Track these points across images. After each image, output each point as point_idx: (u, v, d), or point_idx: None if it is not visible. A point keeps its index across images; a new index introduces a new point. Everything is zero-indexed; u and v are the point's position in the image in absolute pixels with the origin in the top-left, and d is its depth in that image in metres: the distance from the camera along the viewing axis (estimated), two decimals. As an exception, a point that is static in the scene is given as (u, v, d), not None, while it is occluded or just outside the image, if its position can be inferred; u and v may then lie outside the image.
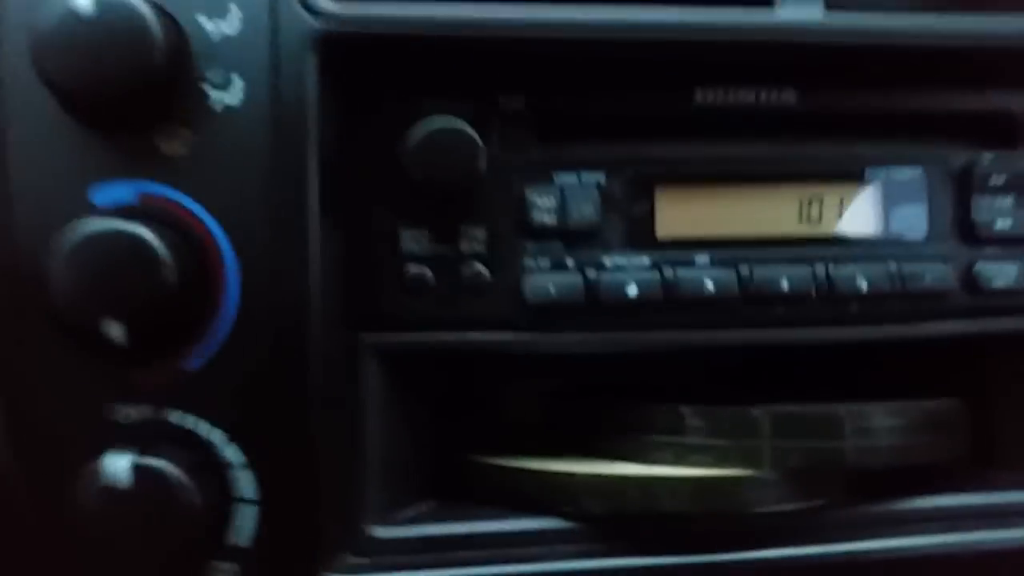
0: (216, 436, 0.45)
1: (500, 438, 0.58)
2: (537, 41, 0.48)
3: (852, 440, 0.49)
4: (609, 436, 0.54)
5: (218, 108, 0.45)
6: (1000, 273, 0.50)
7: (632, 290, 0.49)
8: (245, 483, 0.46)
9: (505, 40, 0.48)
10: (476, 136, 0.47)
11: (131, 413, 0.44)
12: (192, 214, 0.44)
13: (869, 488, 0.51)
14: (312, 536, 0.46)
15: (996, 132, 0.52)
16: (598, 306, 0.49)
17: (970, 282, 0.51)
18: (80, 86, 0.42)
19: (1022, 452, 0.55)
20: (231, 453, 0.45)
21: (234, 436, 0.45)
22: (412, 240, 0.49)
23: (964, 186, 0.51)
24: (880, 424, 0.50)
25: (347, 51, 0.46)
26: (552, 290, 0.49)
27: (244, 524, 0.45)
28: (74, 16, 0.42)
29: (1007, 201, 0.51)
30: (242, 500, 0.45)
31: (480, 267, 0.49)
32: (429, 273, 0.48)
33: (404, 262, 0.48)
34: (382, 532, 0.48)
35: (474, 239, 0.49)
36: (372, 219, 0.48)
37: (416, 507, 0.52)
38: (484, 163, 0.47)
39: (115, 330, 0.41)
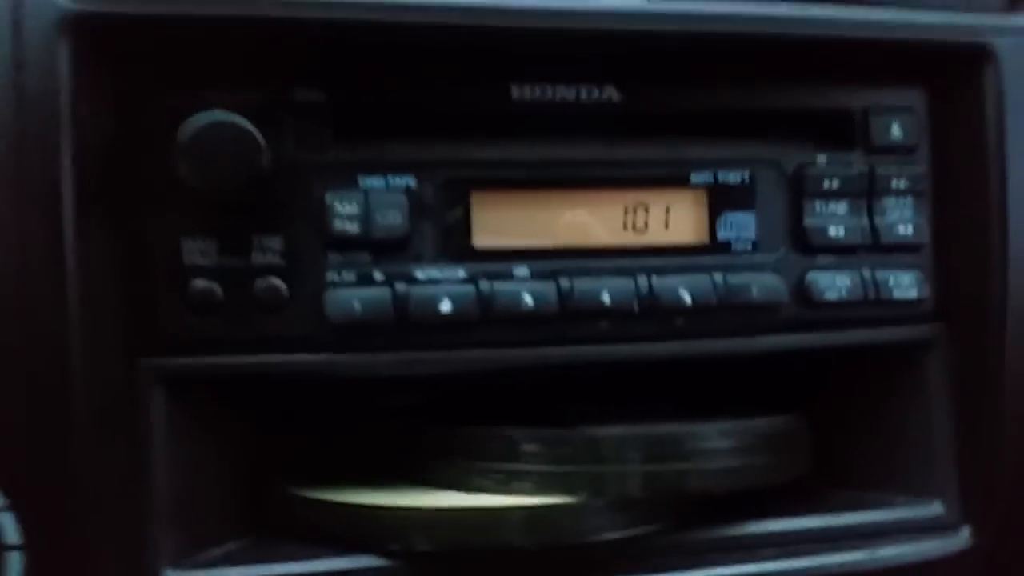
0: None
1: (321, 465, 0.53)
2: (334, 24, 0.43)
3: (691, 462, 0.46)
4: (436, 463, 0.49)
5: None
6: (833, 285, 0.48)
7: (445, 306, 0.44)
8: (7, 527, 0.40)
9: (297, 23, 0.42)
10: (255, 131, 0.41)
11: None
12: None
13: (705, 512, 0.48)
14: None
15: (830, 132, 0.49)
16: (408, 323, 0.44)
17: (802, 294, 0.48)
18: None
19: (860, 468, 0.53)
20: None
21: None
22: (196, 251, 0.43)
23: (796, 190, 0.48)
24: (718, 445, 0.47)
25: (105, 35, 0.40)
26: (357, 306, 0.44)
27: (12, 571, 0.40)
28: None
29: (841, 206, 0.48)
30: (4, 546, 0.40)
31: (276, 281, 0.44)
32: (217, 288, 0.43)
33: (188, 276, 0.43)
34: (175, 576, 0.44)
35: (268, 250, 0.44)
36: (148, 229, 0.43)
37: (224, 546, 0.47)
38: (267, 163, 0.42)
39: None
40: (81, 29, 0.40)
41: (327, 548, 0.46)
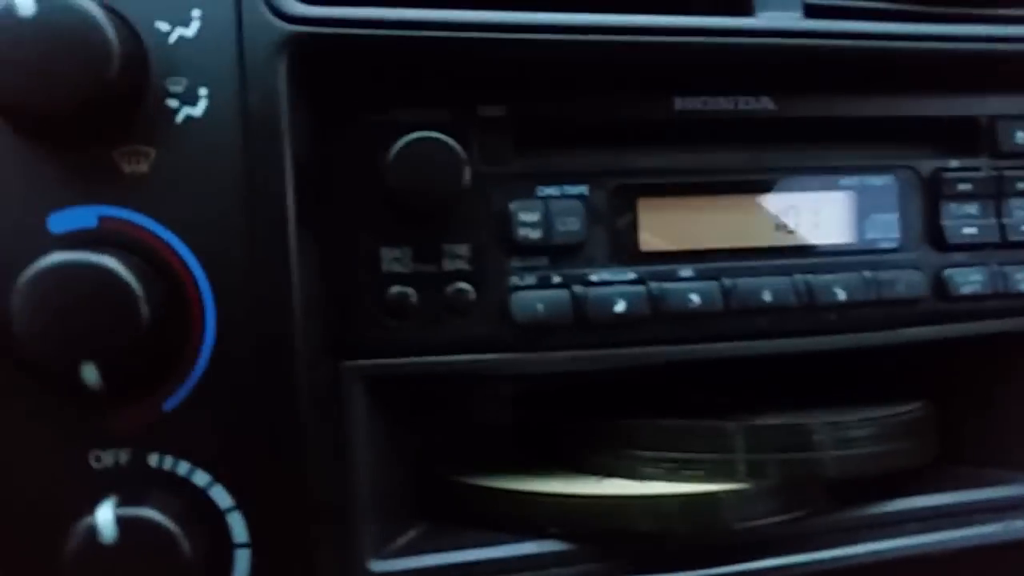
0: (201, 478, 0.41)
1: (480, 456, 0.55)
2: (516, 45, 0.45)
3: (828, 451, 0.48)
4: (592, 452, 0.52)
5: (181, 120, 0.40)
6: (968, 279, 0.51)
7: (620, 306, 0.47)
8: (235, 526, 0.41)
9: (484, 43, 0.44)
10: (457, 146, 0.44)
11: (111, 459, 0.40)
12: (160, 238, 0.40)
13: (846, 495, 0.51)
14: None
15: (962, 139, 0.52)
16: (586, 323, 0.46)
17: (940, 288, 0.51)
18: (25, 98, 0.37)
19: (987, 449, 0.56)
20: (218, 495, 0.41)
21: (219, 477, 0.41)
22: (393, 259, 0.45)
23: (933, 193, 0.51)
24: (854, 434, 0.49)
25: (317, 55, 0.42)
26: (540, 308, 0.46)
27: (238, 569, 0.41)
28: (12, 16, 0.37)
29: (973, 208, 0.52)
30: (233, 544, 0.41)
31: (465, 286, 0.46)
32: (412, 293, 0.45)
33: (386, 283, 0.45)
34: (379, 566, 0.45)
35: (457, 257, 0.46)
36: (351, 238, 0.45)
37: (406, 535, 0.49)
38: (467, 175, 0.44)
39: (89, 373, 0.36)
40: (296, 50, 0.41)
41: (506, 534, 0.48)
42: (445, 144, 0.43)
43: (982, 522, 0.51)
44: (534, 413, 0.57)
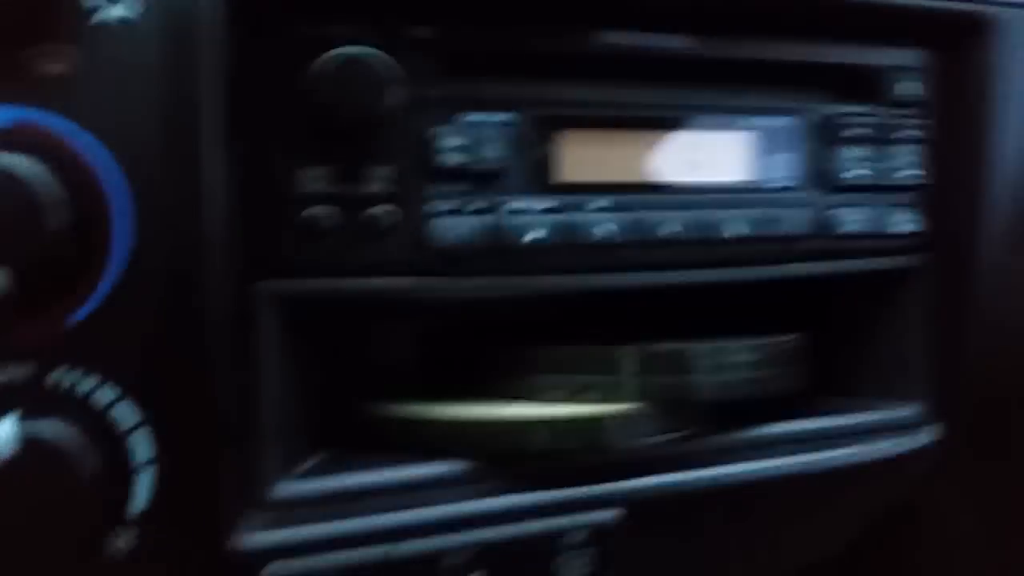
0: (106, 395, 0.39)
1: (381, 382, 0.55)
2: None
3: (708, 375, 0.51)
4: (495, 379, 0.53)
5: (107, 21, 0.37)
6: (850, 218, 0.54)
7: (534, 234, 0.47)
8: (140, 444, 0.40)
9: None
10: (383, 64, 0.42)
11: (13, 373, 0.38)
12: (77, 144, 0.37)
13: (725, 418, 0.54)
14: (212, 496, 0.42)
15: (853, 87, 0.54)
16: (501, 249, 0.47)
17: (824, 226, 0.53)
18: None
19: (861, 379, 0.60)
20: (124, 412, 0.40)
21: (127, 393, 0.40)
22: (313, 179, 0.44)
23: (825, 136, 0.54)
24: (734, 359, 0.52)
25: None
26: (458, 233, 0.46)
27: (140, 488, 0.40)
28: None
29: (860, 151, 0.54)
30: (138, 462, 0.40)
31: (385, 208, 0.45)
32: (330, 214, 0.44)
33: (303, 203, 0.44)
34: (284, 488, 0.45)
35: (378, 179, 0.45)
36: (270, 155, 0.43)
37: (311, 459, 0.49)
38: (393, 96, 0.43)
39: (-4, 279, 0.34)
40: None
41: (407, 458, 0.48)
42: (372, 62, 0.42)
43: (839, 446, 0.55)
44: (441, 344, 0.58)
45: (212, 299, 0.41)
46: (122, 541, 0.40)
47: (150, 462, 0.41)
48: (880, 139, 0.54)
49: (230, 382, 0.42)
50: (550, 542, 0.48)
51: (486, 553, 0.47)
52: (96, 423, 0.39)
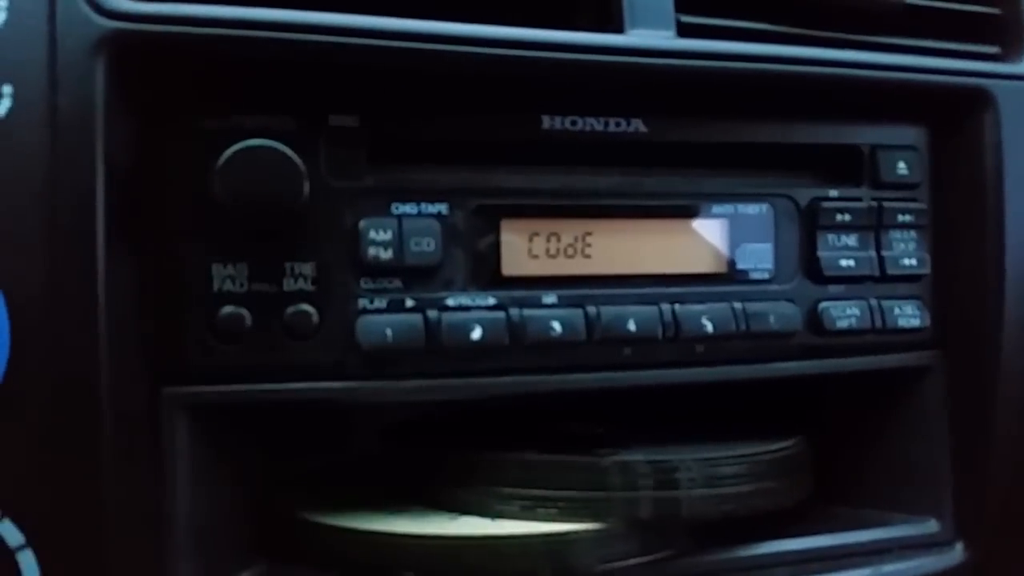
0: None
1: (334, 491, 0.50)
2: (366, 51, 0.40)
3: (695, 489, 0.44)
4: (450, 487, 0.47)
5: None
6: (843, 314, 0.47)
7: (476, 333, 0.42)
8: (26, 564, 0.36)
9: (334, 49, 0.39)
10: (295, 157, 0.38)
11: None
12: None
13: (717, 535, 0.46)
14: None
15: (841, 168, 0.48)
16: (438, 350, 0.41)
17: (815, 322, 0.47)
18: None
19: (864, 489, 0.52)
20: (7, 531, 0.35)
21: (9, 512, 0.35)
22: (226, 277, 0.39)
23: (810, 223, 0.47)
24: (725, 472, 0.45)
25: (143, 57, 0.37)
26: (389, 333, 0.41)
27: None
28: None
29: (851, 239, 0.47)
30: (21, 581, 0.36)
31: (307, 308, 0.40)
32: (247, 315, 0.40)
33: (216, 303, 0.39)
34: (198, 606, 0.40)
35: (300, 276, 0.40)
36: (178, 253, 0.39)
37: (245, 571, 0.43)
38: (307, 189, 0.39)
39: None
40: (117, 49, 0.36)
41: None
42: (279, 153, 0.38)
43: (850, 566, 0.47)
44: (388, 445, 0.52)
45: (104, 412, 0.36)
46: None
47: (33, 578, 0.36)
48: (873, 225, 0.47)
49: (130, 496, 0.38)
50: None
51: None
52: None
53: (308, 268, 0.41)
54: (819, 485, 0.50)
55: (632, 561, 0.45)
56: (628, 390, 0.45)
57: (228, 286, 0.40)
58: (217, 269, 0.39)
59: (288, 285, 0.40)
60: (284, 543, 0.46)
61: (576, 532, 0.44)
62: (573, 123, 0.44)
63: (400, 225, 0.41)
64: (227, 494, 0.43)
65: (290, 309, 0.40)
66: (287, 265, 0.40)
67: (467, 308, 0.42)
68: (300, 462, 0.52)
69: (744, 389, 0.49)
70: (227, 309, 0.39)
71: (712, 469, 0.45)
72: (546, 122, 0.44)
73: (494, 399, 0.44)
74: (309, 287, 0.40)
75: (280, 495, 0.48)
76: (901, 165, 0.48)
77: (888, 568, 0.47)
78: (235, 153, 0.38)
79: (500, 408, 0.51)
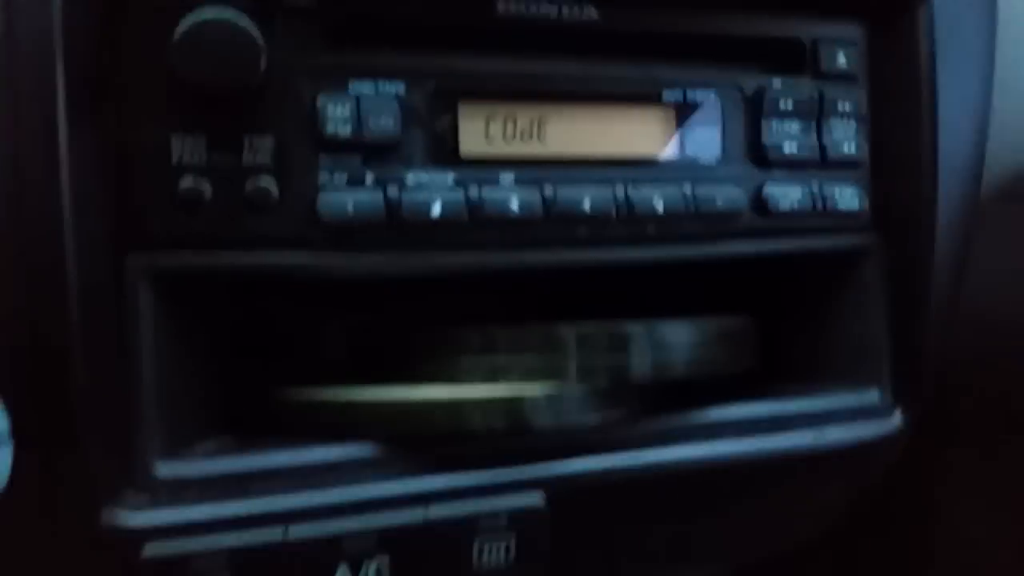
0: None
1: (302, 366, 0.50)
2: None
3: (650, 355, 0.46)
4: (416, 359, 0.48)
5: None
6: (786, 196, 0.48)
7: (436, 209, 0.42)
8: (-2, 422, 0.36)
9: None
10: (255, 30, 0.38)
11: None
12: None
13: (668, 400, 0.48)
14: (80, 475, 0.38)
15: (785, 59, 0.49)
16: (400, 225, 0.42)
17: (759, 204, 0.48)
18: None
19: (805, 364, 0.54)
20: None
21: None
22: (186, 149, 0.39)
23: (755, 110, 0.48)
24: (674, 339, 0.47)
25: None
26: (350, 208, 0.41)
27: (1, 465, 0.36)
28: None
29: (794, 126, 0.49)
30: (-4, 438, 0.36)
31: (267, 180, 0.41)
32: (207, 186, 0.40)
33: (177, 174, 0.39)
34: (166, 469, 0.40)
35: (259, 150, 0.40)
36: (139, 125, 0.39)
37: (210, 443, 0.44)
38: (264, 63, 0.39)
39: None
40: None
41: (312, 440, 0.43)
42: (237, 27, 0.38)
43: (795, 431, 0.49)
44: (358, 325, 0.53)
45: (70, 277, 0.37)
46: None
47: (7, 442, 0.36)
48: (815, 113, 0.49)
49: (97, 359, 0.38)
50: (464, 527, 0.42)
51: (389, 537, 0.41)
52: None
53: (267, 142, 0.41)
54: (769, 364, 0.52)
55: (586, 422, 0.45)
56: (584, 268, 0.47)
57: (187, 158, 0.40)
58: (176, 141, 0.39)
59: (248, 159, 0.40)
60: (253, 417, 0.46)
61: (535, 394, 0.44)
62: (527, 8, 0.44)
63: (358, 103, 0.42)
64: (191, 366, 0.43)
65: (250, 181, 0.40)
66: (246, 138, 0.40)
67: (427, 186, 0.43)
68: (268, 341, 0.52)
69: (696, 273, 0.50)
70: (187, 180, 0.39)
71: (660, 337, 0.46)
72: (501, 6, 0.44)
73: (454, 276, 0.45)
74: (268, 161, 0.41)
75: (248, 371, 0.48)
76: (841, 57, 0.49)
77: (831, 433, 0.49)
78: (193, 25, 0.37)
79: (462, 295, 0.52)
